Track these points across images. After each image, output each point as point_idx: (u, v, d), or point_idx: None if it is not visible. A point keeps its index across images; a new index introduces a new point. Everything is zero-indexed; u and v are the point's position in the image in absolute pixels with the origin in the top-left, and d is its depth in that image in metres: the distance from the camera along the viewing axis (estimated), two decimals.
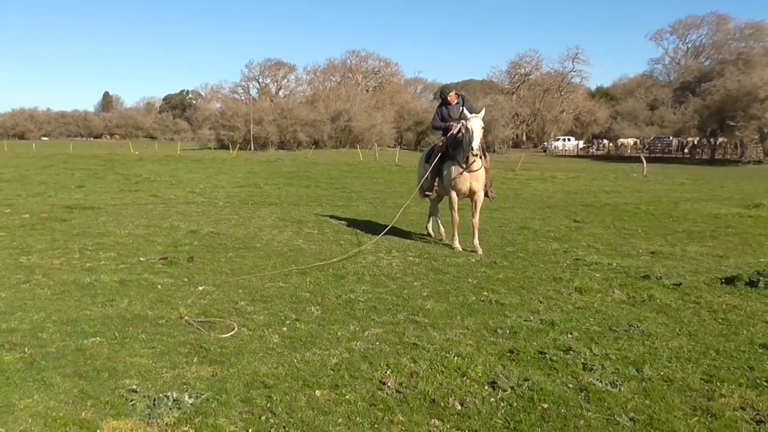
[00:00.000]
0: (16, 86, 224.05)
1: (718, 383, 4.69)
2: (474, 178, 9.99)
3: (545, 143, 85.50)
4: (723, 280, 7.82)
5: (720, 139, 59.09)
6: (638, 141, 74.15)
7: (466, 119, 9.62)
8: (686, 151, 65.10)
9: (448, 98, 10.61)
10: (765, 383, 4.69)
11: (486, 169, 10.30)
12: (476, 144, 9.45)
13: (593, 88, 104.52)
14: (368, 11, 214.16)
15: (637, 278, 8.08)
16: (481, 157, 9.97)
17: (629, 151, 69.14)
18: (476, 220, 10.26)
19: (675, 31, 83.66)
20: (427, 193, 10.83)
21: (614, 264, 8.96)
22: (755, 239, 11.40)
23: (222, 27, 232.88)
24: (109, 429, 3.87)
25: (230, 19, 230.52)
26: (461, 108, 10.33)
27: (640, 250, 10.16)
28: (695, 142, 63.66)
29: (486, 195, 10.51)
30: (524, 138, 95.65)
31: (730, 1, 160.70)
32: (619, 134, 77.49)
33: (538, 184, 24.75)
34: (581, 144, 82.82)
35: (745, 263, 9.02)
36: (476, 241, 10.09)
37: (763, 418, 4.11)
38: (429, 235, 11.36)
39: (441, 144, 10.63)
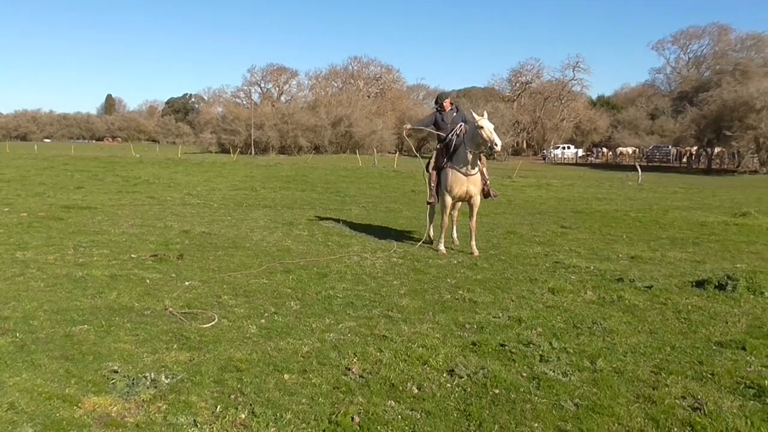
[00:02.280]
0: (19, 87, 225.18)
1: (666, 375, 4.99)
2: (471, 182, 10.27)
3: (545, 151, 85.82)
4: (694, 284, 8.04)
5: (717, 149, 59.37)
6: (637, 150, 74.43)
7: (475, 121, 9.84)
8: (684, 160, 65.42)
9: (444, 104, 10.96)
10: (710, 376, 4.98)
11: (482, 172, 10.59)
12: (499, 141, 9.76)
13: (594, 96, 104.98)
14: (371, 18, 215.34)
15: (612, 280, 8.33)
16: (479, 160, 10.30)
17: (628, 160, 69.43)
18: (473, 222, 10.56)
19: (676, 41, 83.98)
20: (429, 200, 11.12)
21: (592, 267, 9.21)
22: (736, 246, 11.64)
23: (225, 31, 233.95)
24: (90, 404, 4.21)
25: (233, 24, 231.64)
26: (454, 114, 10.75)
27: (620, 255, 10.40)
28: (693, 152, 63.96)
29: (488, 195, 10.84)
30: (524, 145, 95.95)
31: (732, 12, 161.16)
32: (619, 143, 77.78)
33: (533, 191, 24.99)
34: (580, 152, 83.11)
35: (721, 268, 9.23)
36: (473, 243, 10.39)
37: (699, 406, 4.41)
38: (431, 241, 11.23)
39: (436, 150, 10.98)
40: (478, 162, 10.32)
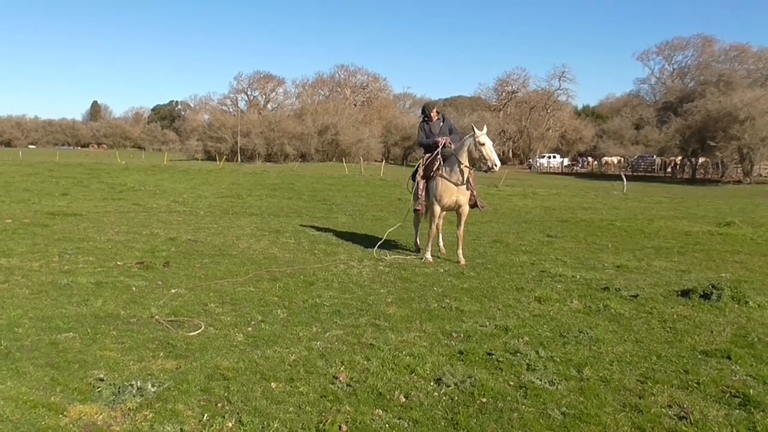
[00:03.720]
0: (3, 93, 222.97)
1: (652, 384, 5.02)
2: (461, 192, 10.28)
3: (531, 160, 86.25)
4: (679, 293, 8.08)
5: (701, 159, 59.88)
6: (622, 159, 74.94)
7: (476, 135, 9.84)
8: (668, 170, 65.93)
9: (431, 114, 10.96)
10: (696, 385, 5.02)
11: (469, 182, 10.60)
12: (498, 162, 9.94)
13: (580, 106, 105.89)
14: (358, 26, 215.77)
15: (597, 290, 8.36)
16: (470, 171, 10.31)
17: (613, 170, 69.88)
18: (461, 231, 10.52)
19: (661, 52, 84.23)
20: (416, 208, 11.10)
21: (578, 276, 9.24)
22: (720, 256, 11.71)
23: (212, 39, 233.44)
24: (76, 412, 4.18)
25: (221, 32, 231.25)
26: (441, 124, 10.81)
27: (606, 264, 10.44)
28: (677, 162, 64.47)
29: (475, 205, 10.81)
30: (510, 155, 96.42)
31: (716, 24, 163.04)
32: (604, 152, 78.28)
33: (519, 200, 25.06)
34: (566, 161, 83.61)
35: (706, 278, 9.29)
36: (460, 251, 10.39)
37: (685, 415, 4.44)
38: (418, 250, 11.31)
39: (423, 159, 10.99)
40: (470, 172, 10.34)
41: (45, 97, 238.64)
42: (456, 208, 10.50)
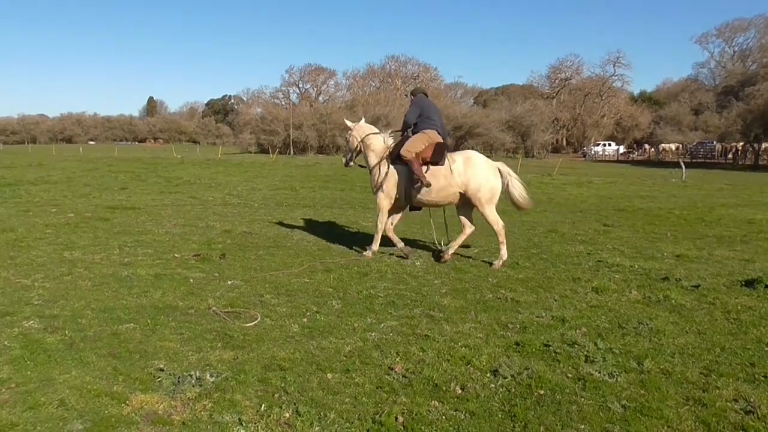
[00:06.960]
0: (64, 91, 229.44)
1: (716, 377, 4.87)
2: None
3: (585, 148, 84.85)
4: (743, 283, 7.85)
5: (764, 145, 57.96)
6: (681, 146, 73.10)
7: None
8: (729, 156, 64.05)
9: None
10: (763, 378, 4.86)
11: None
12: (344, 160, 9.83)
13: (636, 92, 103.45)
14: (408, 16, 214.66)
15: (657, 280, 8.18)
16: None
17: (671, 157, 68.24)
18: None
19: (721, 35, 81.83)
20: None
21: (636, 266, 9.06)
22: None
23: (264, 33, 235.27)
24: (138, 401, 4.29)
25: (272, 25, 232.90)
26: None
27: (665, 254, 10.21)
28: (738, 148, 62.54)
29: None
30: (564, 143, 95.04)
31: None
32: (661, 139, 76.48)
33: (573, 189, 24.67)
34: (622, 149, 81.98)
35: None
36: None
37: (752, 409, 4.30)
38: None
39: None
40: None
41: (103, 94, 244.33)
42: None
